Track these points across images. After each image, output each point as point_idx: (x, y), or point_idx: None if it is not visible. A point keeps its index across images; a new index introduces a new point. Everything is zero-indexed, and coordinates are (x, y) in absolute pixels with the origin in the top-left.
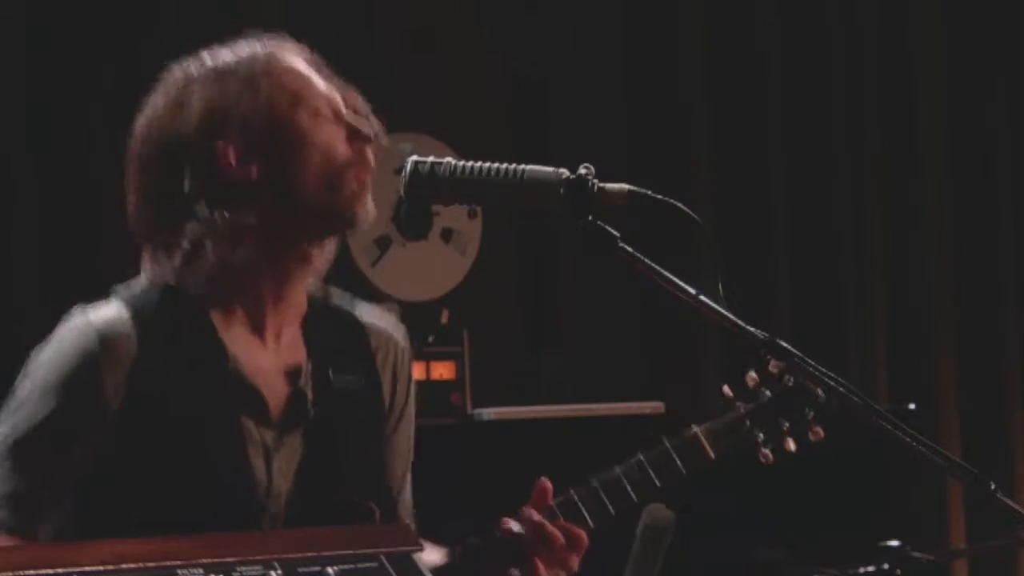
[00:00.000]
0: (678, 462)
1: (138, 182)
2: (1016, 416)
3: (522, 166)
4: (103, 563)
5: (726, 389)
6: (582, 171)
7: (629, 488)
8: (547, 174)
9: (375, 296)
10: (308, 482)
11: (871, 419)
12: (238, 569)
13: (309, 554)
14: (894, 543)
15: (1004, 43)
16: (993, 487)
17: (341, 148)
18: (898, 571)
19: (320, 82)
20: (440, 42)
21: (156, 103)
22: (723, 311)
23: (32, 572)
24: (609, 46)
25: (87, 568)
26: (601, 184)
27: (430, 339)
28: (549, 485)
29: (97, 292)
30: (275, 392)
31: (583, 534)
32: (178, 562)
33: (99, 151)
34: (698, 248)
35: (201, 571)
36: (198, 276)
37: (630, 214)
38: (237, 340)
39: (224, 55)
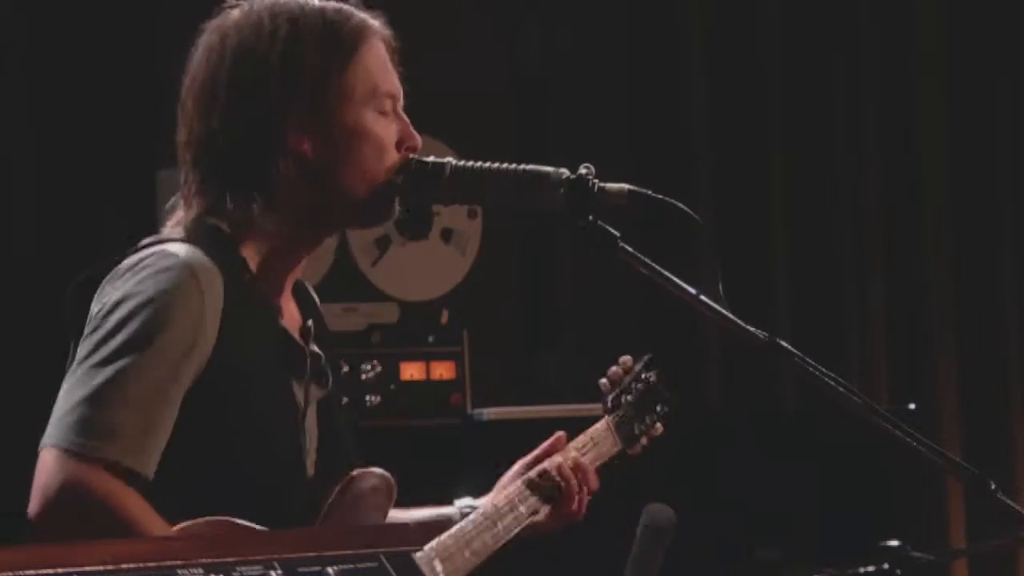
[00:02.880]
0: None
1: (227, 118)
2: (1016, 416)
3: (522, 166)
4: (103, 563)
5: (604, 382)
6: (582, 171)
7: None
8: (548, 174)
9: (375, 296)
10: (327, 446)
11: (871, 419)
12: (238, 569)
13: (309, 554)
14: (894, 543)
15: (1006, 42)
16: (993, 487)
17: (391, 150)
18: (898, 571)
19: (392, 72)
20: (440, 42)
21: (246, 39)
22: (723, 311)
23: (32, 572)
24: (609, 45)
25: (87, 568)
26: (601, 184)
27: (430, 339)
28: (564, 436)
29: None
30: None
31: (590, 468)
32: (178, 562)
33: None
34: (698, 248)
35: (201, 571)
36: (253, 229)
37: (630, 214)
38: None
39: (326, 12)
